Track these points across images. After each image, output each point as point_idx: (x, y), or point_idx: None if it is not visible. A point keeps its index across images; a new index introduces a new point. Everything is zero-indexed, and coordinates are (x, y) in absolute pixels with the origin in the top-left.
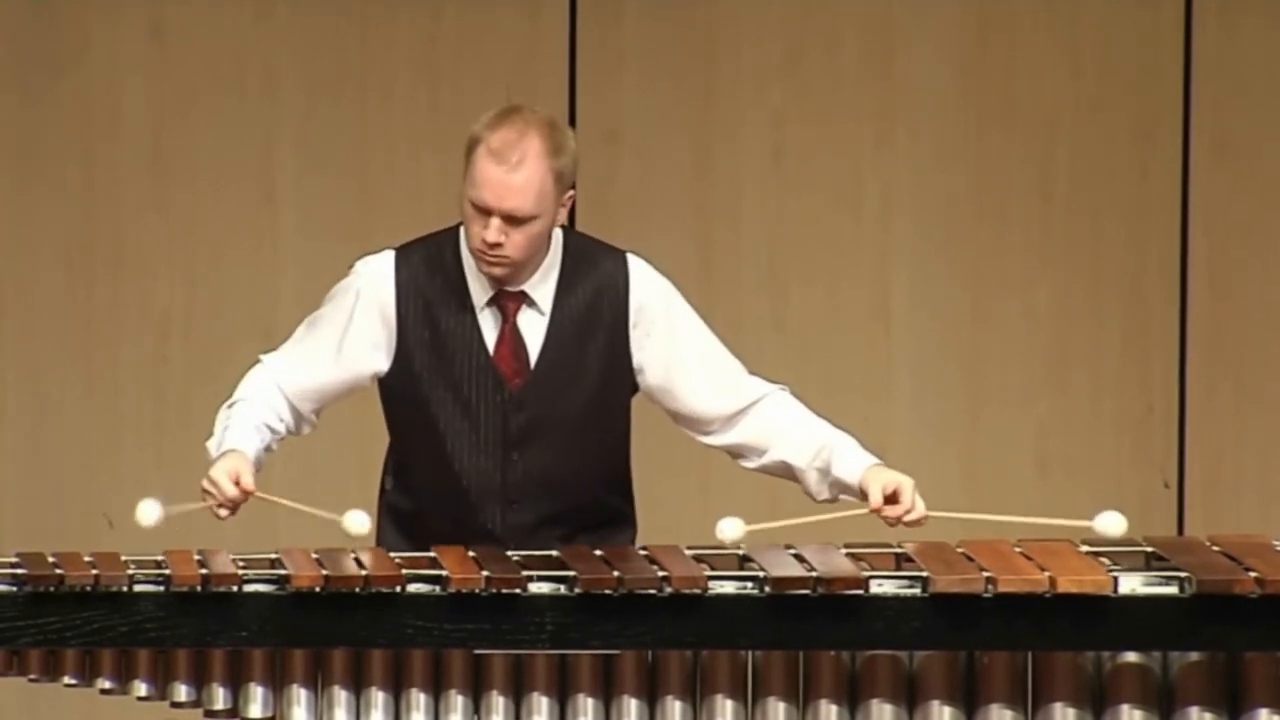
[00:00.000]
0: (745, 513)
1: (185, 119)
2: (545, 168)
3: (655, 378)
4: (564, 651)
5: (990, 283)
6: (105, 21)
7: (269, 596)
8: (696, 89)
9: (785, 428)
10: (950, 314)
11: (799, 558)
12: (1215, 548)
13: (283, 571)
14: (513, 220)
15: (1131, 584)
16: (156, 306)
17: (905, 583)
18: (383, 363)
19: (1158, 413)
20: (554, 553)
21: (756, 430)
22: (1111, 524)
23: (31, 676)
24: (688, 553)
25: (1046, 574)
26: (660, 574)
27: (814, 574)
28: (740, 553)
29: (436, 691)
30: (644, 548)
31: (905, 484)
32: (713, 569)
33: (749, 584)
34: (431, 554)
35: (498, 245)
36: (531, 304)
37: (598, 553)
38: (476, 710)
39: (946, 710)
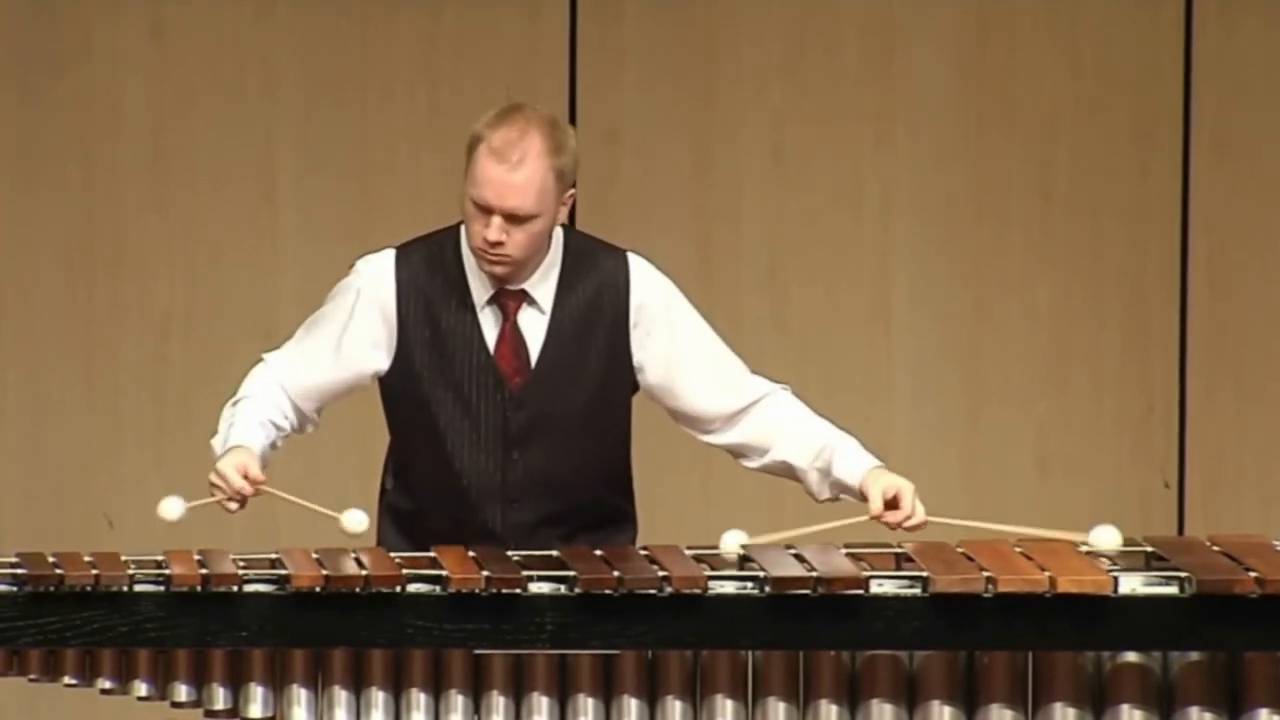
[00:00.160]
0: (746, 512)
1: (185, 119)
2: (546, 166)
3: (656, 377)
4: (564, 651)
5: (990, 283)
6: (105, 21)
7: (269, 596)
8: (696, 89)
9: (787, 427)
10: (950, 314)
11: (799, 558)
12: (1215, 548)
13: (283, 571)
14: (514, 219)
15: (1131, 584)
16: (156, 306)
17: (905, 583)
18: (383, 361)
19: (1158, 413)
20: (554, 553)
21: (758, 430)
22: (1106, 538)
23: (31, 676)
24: (688, 553)
25: (1046, 574)
26: (660, 574)
27: (814, 574)
28: (740, 552)
29: (436, 691)
30: (644, 548)
31: (905, 489)
32: (713, 569)
33: (749, 584)
34: (431, 554)
35: (499, 244)
36: (532, 303)
37: (598, 553)
38: (476, 710)
39: (946, 710)
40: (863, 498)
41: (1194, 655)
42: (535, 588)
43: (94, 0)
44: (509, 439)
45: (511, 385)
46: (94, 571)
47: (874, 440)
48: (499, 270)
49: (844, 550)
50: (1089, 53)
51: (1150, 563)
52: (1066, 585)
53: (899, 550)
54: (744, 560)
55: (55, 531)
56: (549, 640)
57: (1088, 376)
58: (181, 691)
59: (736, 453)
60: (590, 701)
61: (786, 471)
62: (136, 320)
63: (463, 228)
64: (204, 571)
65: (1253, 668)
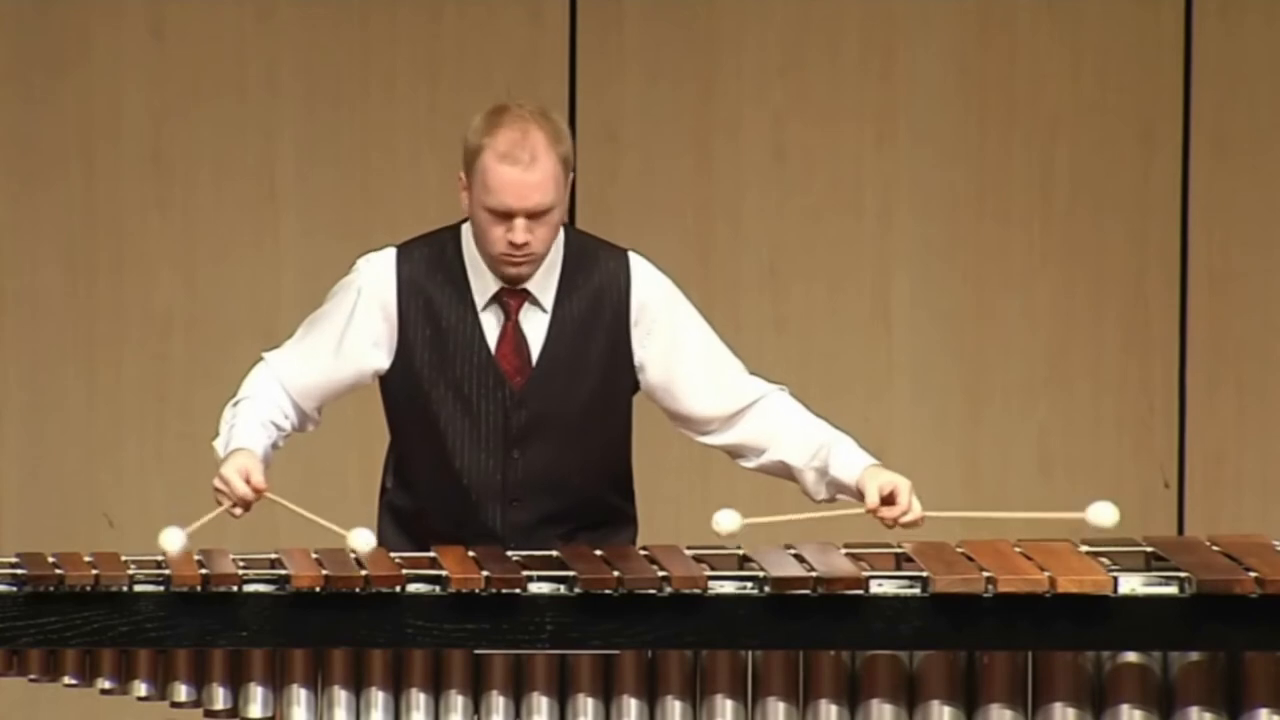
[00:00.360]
0: (745, 512)
1: (186, 119)
2: (554, 157)
3: (656, 376)
4: (564, 651)
5: (991, 283)
6: (105, 21)
7: (269, 596)
8: (696, 89)
9: (784, 428)
10: (951, 314)
11: (799, 558)
12: (1215, 548)
13: (283, 571)
14: (535, 215)
15: (1131, 584)
16: (157, 305)
17: (905, 583)
18: (384, 360)
19: (1158, 413)
20: (554, 553)
21: (755, 430)
22: (1103, 514)
23: (31, 676)
24: (688, 553)
25: (1046, 574)
26: (660, 574)
27: (814, 574)
28: (740, 552)
29: (436, 691)
30: (644, 548)
31: (902, 485)
32: (713, 569)
33: (749, 584)
34: (432, 554)
35: (525, 244)
36: (534, 301)
37: (598, 553)
38: (476, 710)
39: (946, 710)
40: (860, 496)
41: (1194, 655)
42: (535, 588)
43: (94, 0)
44: (510, 438)
45: (513, 384)
46: (94, 571)
47: (874, 440)
48: (525, 270)
49: (844, 550)
50: (1089, 53)
51: (1150, 563)
52: (1066, 585)
53: (899, 550)
54: (744, 560)
55: (55, 531)
56: (549, 640)
57: (1088, 376)
58: (181, 691)
59: (734, 453)
60: (590, 701)
61: (783, 471)
62: (137, 319)
63: (464, 227)
64: (204, 571)
65: (1253, 668)
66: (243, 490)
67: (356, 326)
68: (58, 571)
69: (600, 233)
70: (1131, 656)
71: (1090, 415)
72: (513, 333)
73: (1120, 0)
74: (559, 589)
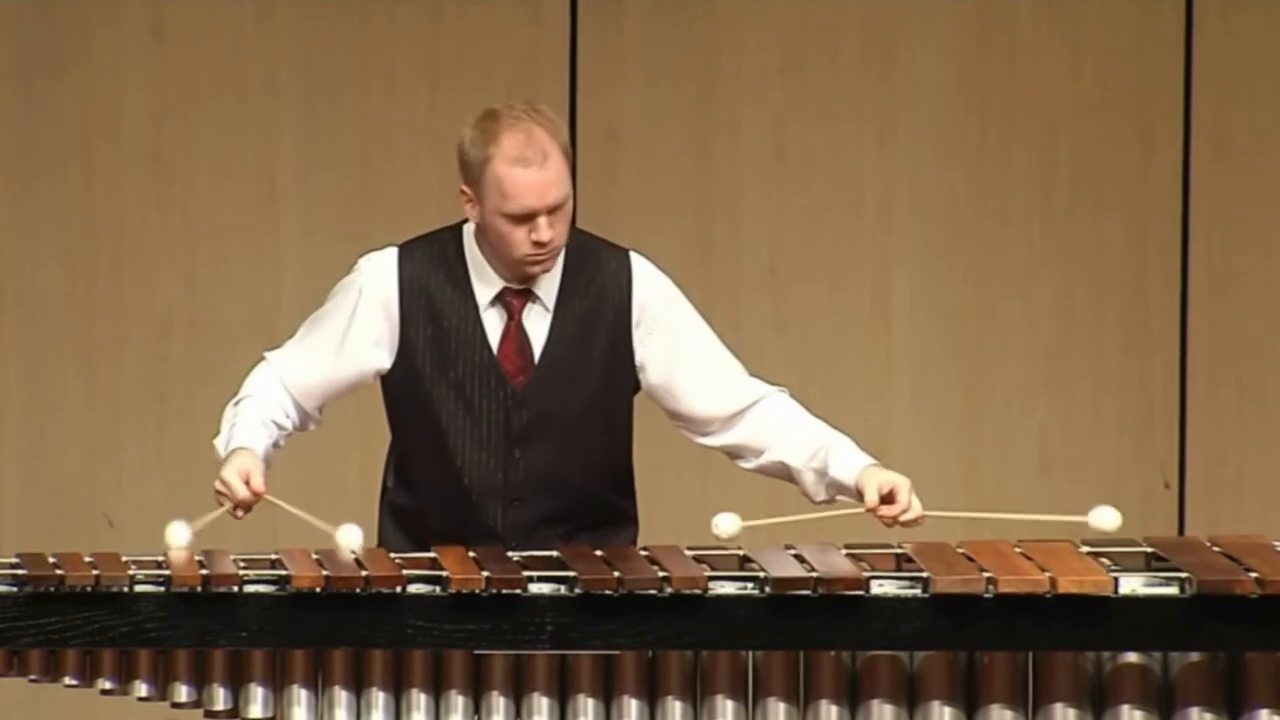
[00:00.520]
0: (746, 512)
1: (186, 119)
2: (560, 151)
3: (656, 376)
4: (564, 651)
5: (991, 283)
6: (105, 21)
7: (269, 596)
8: (696, 89)
9: (783, 429)
10: (951, 314)
11: (799, 558)
12: (1215, 548)
13: (283, 572)
14: (554, 210)
15: (1132, 584)
16: (157, 305)
17: (906, 583)
18: (385, 359)
19: (1158, 413)
20: (554, 553)
21: (754, 431)
22: (1106, 519)
23: (32, 677)
24: (688, 553)
25: (1047, 574)
26: (660, 574)
27: (814, 574)
28: (740, 553)
29: (437, 692)
30: (644, 548)
31: (901, 484)
32: (713, 569)
33: (749, 584)
34: (432, 554)
35: (550, 240)
36: (536, 301)
37: (598, 553)
38: (477, 710)
39: (947, 710)
40: (859, 496)
41: (1194, 655)
42: (535, 588)
43: (94, 0)
44: (511, 437)
45: (515, 383)
46: (94, 572)
47: (874, 440)
48: (549, 266)
49: (844, 550)
50: (1090, 53)
51: (1150, 563)
52: (1067, 586)
53: (899, 551)
54: (744, 560)
55: (55, 531)
56: (549, 640)
57: (1088, 376)
58: (182, 692)
59: (733, 454)
60: (590, 702)
61: (782, 472)
62: (137, 319)
63: (465, 227)
64: (204, 572)
65: (1253, 668)
66: (242, 493)
67: (358, 326)
68: (58, 572)
69: (600, 233)
70: (1132, 657)
71: (1090, 415)
72: (516, 332)
73: (1120, 0)
74: (559, 589)
